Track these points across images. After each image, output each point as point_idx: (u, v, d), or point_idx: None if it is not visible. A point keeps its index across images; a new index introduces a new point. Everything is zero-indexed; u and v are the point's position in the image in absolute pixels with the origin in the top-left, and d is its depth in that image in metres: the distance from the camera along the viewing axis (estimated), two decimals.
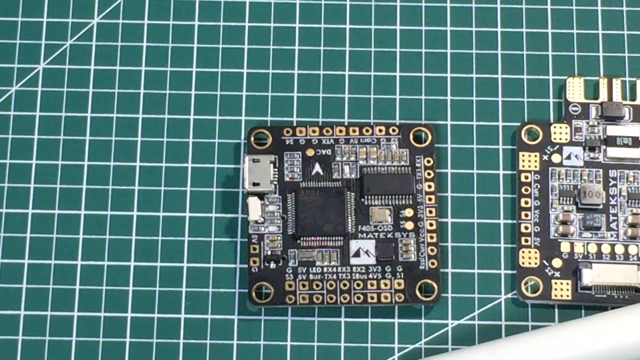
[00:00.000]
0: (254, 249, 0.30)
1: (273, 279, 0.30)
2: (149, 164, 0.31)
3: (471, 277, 0.30)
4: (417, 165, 0.30)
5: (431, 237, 0.30)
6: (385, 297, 0.30)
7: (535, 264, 0.30)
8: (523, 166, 0.31)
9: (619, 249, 0.30)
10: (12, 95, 0.32)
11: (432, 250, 0.30)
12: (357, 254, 0.30)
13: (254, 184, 0.30)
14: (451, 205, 0.31)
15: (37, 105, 0.32)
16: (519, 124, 0.31)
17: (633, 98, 0.31)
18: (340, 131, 0.31)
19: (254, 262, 0.30)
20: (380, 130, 0.31)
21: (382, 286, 0.30)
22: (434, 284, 0.30)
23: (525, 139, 0.31)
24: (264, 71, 0.32)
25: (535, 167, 0.31)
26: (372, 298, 0.30)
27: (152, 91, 0.32)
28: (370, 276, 0.30)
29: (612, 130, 0.31)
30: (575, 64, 0.32)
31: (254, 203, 0.30)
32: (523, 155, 0.31)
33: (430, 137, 0.31)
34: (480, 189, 0.31)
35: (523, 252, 0.30)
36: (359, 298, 0.30)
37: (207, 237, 0.31)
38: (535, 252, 0.30)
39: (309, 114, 0.32)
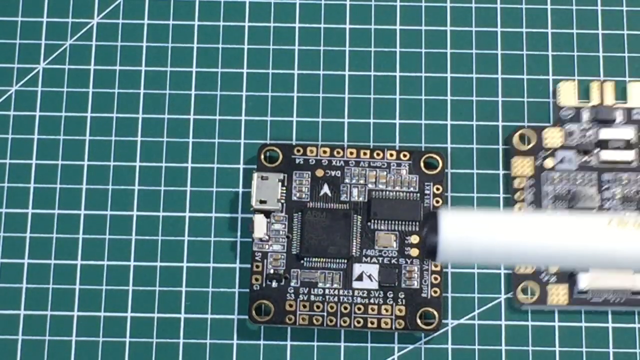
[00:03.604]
0: (257, 266, 0.30)
1: (274, 298, 0.30)
2: (149, 164, 0.31)
3: (471, 277, 0.30)
4: (426, 192, 0.30)
5: (435, 265, 0.30)
6: (386, 323, 0.30)
7: (531, 269, 0.30)
8: (516, 172, 0.30)
9: None
10: (12, 95, 0.32)
11: (435, 279, 0.30)
12: (359, 278, 0.30)
13: (261, 202, 0.30)
14: (451, 205, 0.31)
15: (37, 105, 0.32)
16: (519, 124, 0.31)
17: (625, 100, 0.31)
18: (351, 153, 0.31)
19: (256, 279, 0.30)
20: (391, 155, 0.31)
21: (383, 311, 0.30)
22: (435, 312, 0.30)
23: (517, 145, 0.31)
24: (264, 71, 0.32)
25: (529, 172, 0.30)
26: (372, 323, 0.30)
27: (152, 91, 0.32)
28: (372, 301, 0.30)
29: (605, 133, 0.31)
30: (575, 64, 0.32)
31: (259, 221, 0.30)
32: (516, 161, 0.31)
33: (441, 164, 0.31)
34: (479, 189, 0.31)
35: None
36: (359, 322, 0.30)
37: (207, 237, 0.31)
38: None
39: (309, 114, 0.32)
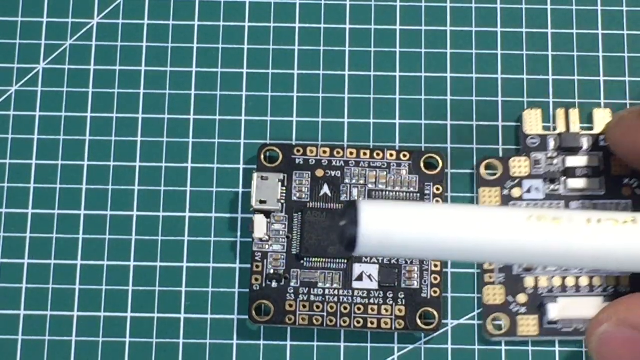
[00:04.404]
0: (257, 267, 0.30)
1: (274, 298, 0.30)
2: (149, 164, 0.31)
3: (471, 277, 0.30)
4: (426, 192, 0.30)
5: (435, 265, 0.30)
6: (386, 323, 0.30)
7: (501, 300, 0.30)
8: (484, 202, 0.30)
9: (584, 281, 0.30)
10: (12, 95, 0.32)
11: (435, 279, 0.30)
12: (359, 278, 0.30)
13: (261, 202, 0.30)
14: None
15: (37, 105, 0.32)
16: (519, 124, 0.31)
17: (591, 127, 0.31)
18: (351, 153, 0.31)
19: (256, 279, 0.30)
20: (391, 155, 0.31)
21: (383, 312, 0.30)
22: (435, 312, 0.30)
23: (484, 175, 0.31)
24: (264, 71, 0.32)
25: (496, 202, 0.30)
26: (372, 323, 0.30)
27: (152, 91, 0.32)
28: (372, 301, 0.30)
29: (571, 161, 0.30)
30: (575, 64, 0.32)
31: (259, 221, 0.30)
32: (484, 191, 0.30)
33: (441, 164, 0.31)
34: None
35: (488, 289, 0.30)
36: (358, 322, 0.30)
37: (207, 237, 0.31)
38: (500, 289, 0.30)
39: (309, 114, 0.32)
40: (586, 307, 0.29)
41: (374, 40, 0.32)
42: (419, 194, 0.30)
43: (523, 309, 0.30)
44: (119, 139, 0.32)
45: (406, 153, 0.31)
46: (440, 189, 0.30)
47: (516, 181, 0.30)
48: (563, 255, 0.24)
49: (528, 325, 0.29)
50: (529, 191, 0.30)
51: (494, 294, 0.30)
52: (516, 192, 0.30)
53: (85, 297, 0.30)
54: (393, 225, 0.22)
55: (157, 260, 0.31)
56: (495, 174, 0.31)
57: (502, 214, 0.24)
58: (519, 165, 0.31)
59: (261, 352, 0.30)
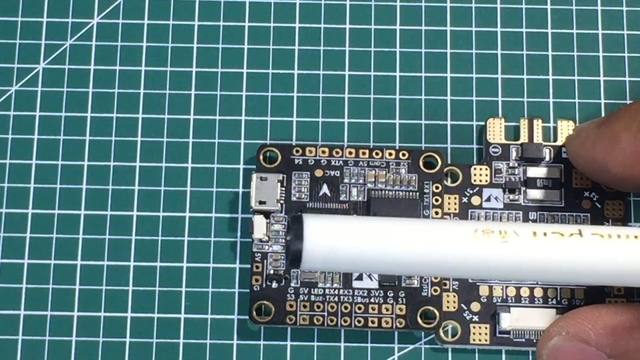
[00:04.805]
0: (257, 267, 0.30)
1: (274, 298, 0.30)
2: (149, 164, 0.31)
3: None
4: (426, 190, 0.30)
5: None
6: (386, 322, 0.30)
7: (454, 307, 0.30)
8: (448, 208, 0.30)
9: (538, 292, 0.29)
10: (12, 95, 0.32)
11: (435, 277, 0.30)
12: (359, 277, 0.30)
13: (260, 202, 0.30)
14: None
15: (37, 105, 0.32)
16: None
17: (554, 139, 0.31)
18: (350, 153, 0.31)
19: (256, 280, 0.30)
20: (390, 154, 0.31)
21: (384, 311, 0.30)
22: (436, 311, 0.30)
23: (447, 182, 0.30)
24: (264, 71, 0.32)
25: (455, 209, 0.30)
26: (372, 322, 0.30)
27: (152, 91, 0.32)
28: (372, 300, 0.30)
29: (532, 172, 0.30)
30: (575, 64, 0.32)
31: (259, 221, 0.30)
32: (448, 198, 0.30)
33: (440, 163, 0.31)
34: None
35: (443, 295, 0.30)
36: (359, 322, 0.30)
37: (207, 237, 0.31)
38: (454, 296, 0.30)
39: (308, 114, 0.32)
40: (539, 319, 0.29)
41: (374, 40, 0.32)
42: (418, 193, 0.30)
43: (476, 317, 0.29)
44: (119, 139, 0.32)
45: (405, 152, 0.31)
46: (440, 187, 0.30)
47: (476, 189, 0.30)
48: (508, 269, 0.24)
49: (480, 334, 0.29)
50: (488, 200, 0.30)
51: (448, 301, 0.30)
52: (476, 201, 0.30)
53: (85, 297, 0.30)
54: (338, 240, 0.22)
55: (157, 260, 0.31)
56: (456, 181, 0.30)
57: (448, 229, 0.23)
58: (480, 174, 0.30)
59: (261, 352, 0.30)
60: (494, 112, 0.32)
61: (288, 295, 0.30)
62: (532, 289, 0.30)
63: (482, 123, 0.32)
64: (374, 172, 0.31)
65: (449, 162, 0.31)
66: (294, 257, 0.22)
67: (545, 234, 0.24)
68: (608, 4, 0.33)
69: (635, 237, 0.24)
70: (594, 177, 0.29)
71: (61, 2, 0.33)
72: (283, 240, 0.30)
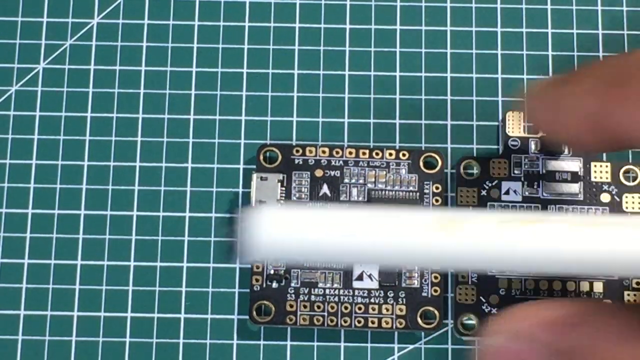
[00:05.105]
0: (257, 267, 0.30)
1: (275, 298, 0.30)
2: (149, 164, 0.31)
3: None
4: (426, 191, 0.30)
5: None
6: (386, 322, 0.30)
7: (472, 300, 0.30)
8: (461, 202, 0.30)
9: (557, 285, 0.29)
10: (12, 95, 0.32)
11: (435, 278, 0.30)
12: (360, 278, 0.30)
13: (261, 202, 0.30)
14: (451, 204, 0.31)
15: (37, 105, 0.32)
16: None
17: None
18: (350, 153, 0.31)
19: (256, 280, 0.30)
20: (390, 154, 0.31)
21: (384, 311, 0.30)
22: (436, 311, 0.30)
23: (463, 174, 0.31)
24: (264, 71, 0.32)
25: (474, 202, 0.30)
26: (372, 322, 0.30)
27: (152, 91, 0.32)
28: (372, 300, 0.30)
29: (552, 165, 0.30)
30: (575, 64, 0.32)
31: None
32: (461, 191, 0.30)
33: (440, 163, 0.31)
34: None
35: (460, 288, 0.30)
36: (359, 322, 0.30)
37: (207, 237, 0.31)
38: (472, 289, 0.30)
39: (308, 114, 0.32)
40: None
41: (374, 40, 0.32)
42: (418, 193, 0.30)
43: (494, 310, 0.29)
44: (119, 139, 0.32)
45: (405, 152, 0.31)
46: (440, 187, 0.30)
47: (494, 182, 0.30)
48: (470, 259, 0.23)
49: None
50: (507, 193, 0.30)
51: (466, 294, 0.30)
52: (494, 193, 0.30)
53: (85, 297, 0.30)
54: (288, 231, 0.22)
55: (157, 260, 0.31)
56: (473, 175, 0.30)
57: (407, 217, 0.23)
58: (499, 167, 0.30)
59: (261, 352, 0.30)
60: (494, 112, 0.32)
61: (288, 295, 0.30)
62: (550, 282, 0.30)
63: (482, 123, 0.32)
64: (374, 172, 0.31)
65: (448, 165, 0.31)
66: (243, 249, 0.22)
67: (507, 222, 0.23)
68: (608, 4, 0.33)
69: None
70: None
71: (61, 2, 0.33)
72: None
